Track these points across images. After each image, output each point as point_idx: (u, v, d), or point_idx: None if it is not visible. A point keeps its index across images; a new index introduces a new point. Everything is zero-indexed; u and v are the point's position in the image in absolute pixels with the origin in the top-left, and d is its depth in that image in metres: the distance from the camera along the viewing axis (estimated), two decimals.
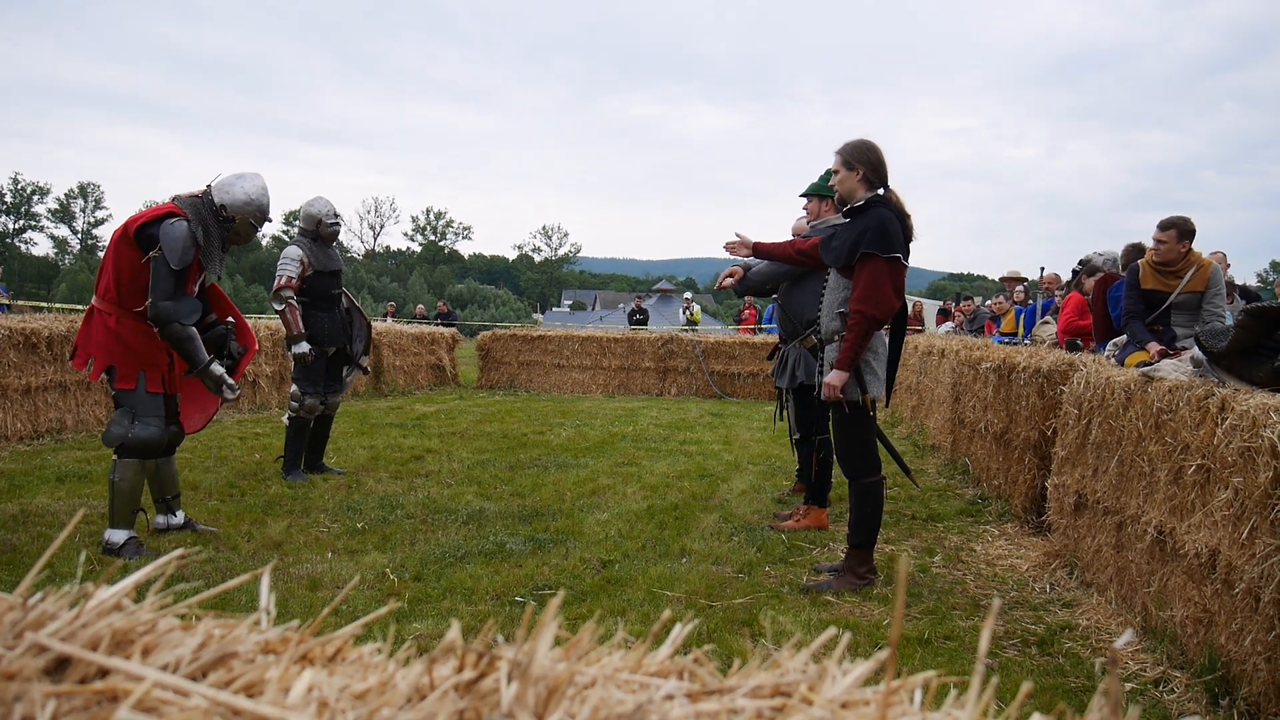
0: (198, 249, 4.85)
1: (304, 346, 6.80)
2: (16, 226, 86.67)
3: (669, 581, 4.57)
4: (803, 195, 6.01)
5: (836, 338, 4.61)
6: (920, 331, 17.68)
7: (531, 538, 5.32)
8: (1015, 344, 8.74)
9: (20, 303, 18.25)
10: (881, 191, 4.57)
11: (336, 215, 7.13)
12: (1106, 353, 5.97)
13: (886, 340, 4.74)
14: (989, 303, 14.96)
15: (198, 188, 5.13)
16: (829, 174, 6.21)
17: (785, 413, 6.45)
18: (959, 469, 7.79)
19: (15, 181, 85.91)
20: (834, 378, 4.47)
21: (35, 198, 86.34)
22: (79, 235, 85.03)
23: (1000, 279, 14.47)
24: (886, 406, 4.90)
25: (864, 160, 4.55)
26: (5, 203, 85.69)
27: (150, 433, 4.89)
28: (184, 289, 4.83)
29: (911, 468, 8.23)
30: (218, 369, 4.99)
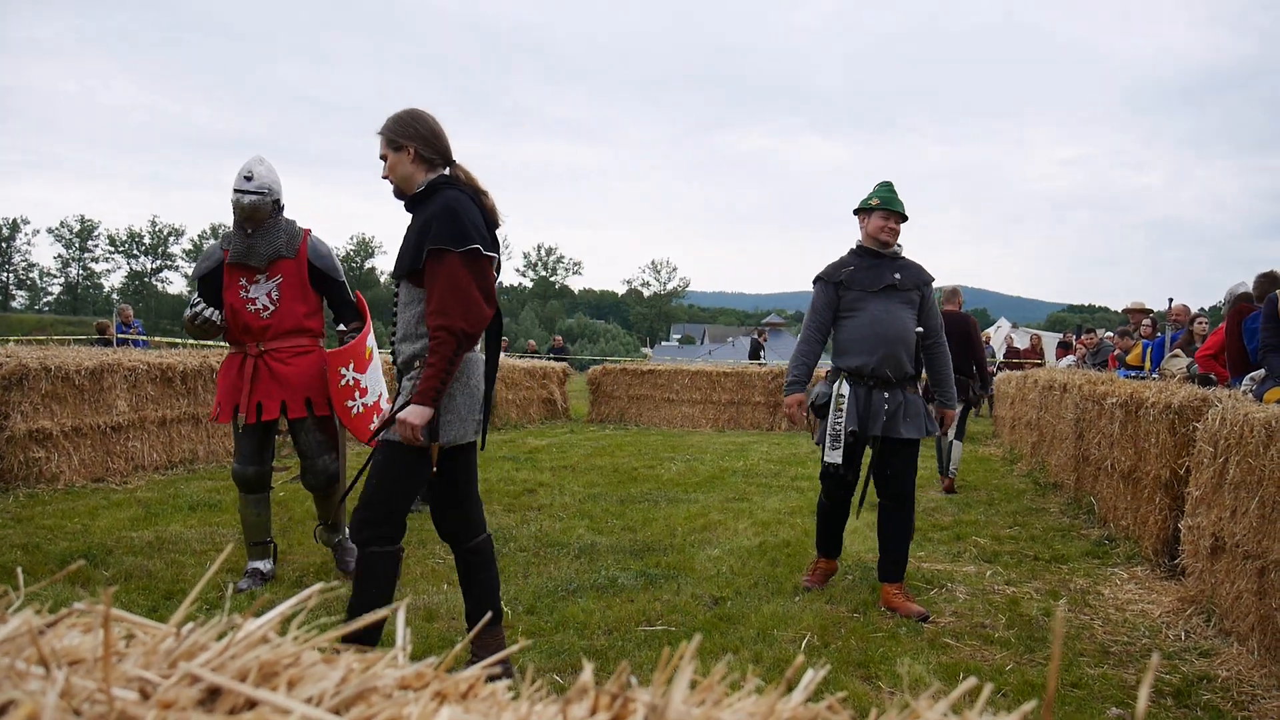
0: (224, 251, 4.97)
1: None
2: (154, 267, 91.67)
3: (782, 620, 4.51)
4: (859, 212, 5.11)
5: (417, 363, 3.46)
6: (1040, 365, 17.16)
7: (643, 573, 5.31)
8: (1143, 378, 8.41)
9: (156, 339, 19.18)
10: (447, 171, 3.57)
11: None
12: (1243, 387, 5.70)
13: (481, 369, 3.60)
14: (1110, 335, 14.44)
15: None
16: (888, 186, 5.10)
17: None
18: (1083, 508, 7.50)
19: (154, 224, 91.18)
20: (414, 414, 3.28)
21: (171, 239, 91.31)
22: None
23: (1123, 310, 13.95)
24: (482, 449, 3.76)
25: (412, 134, 3.49)
26: (144, 244, 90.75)
27: (235, 468, 5.05)
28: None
29: (1033, 506, 8.00)
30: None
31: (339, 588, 4.81)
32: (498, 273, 3.60)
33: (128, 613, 0.76)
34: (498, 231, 3.60)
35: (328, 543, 5.37)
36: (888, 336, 4.85)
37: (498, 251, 3.57)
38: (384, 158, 3.54)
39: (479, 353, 3.60)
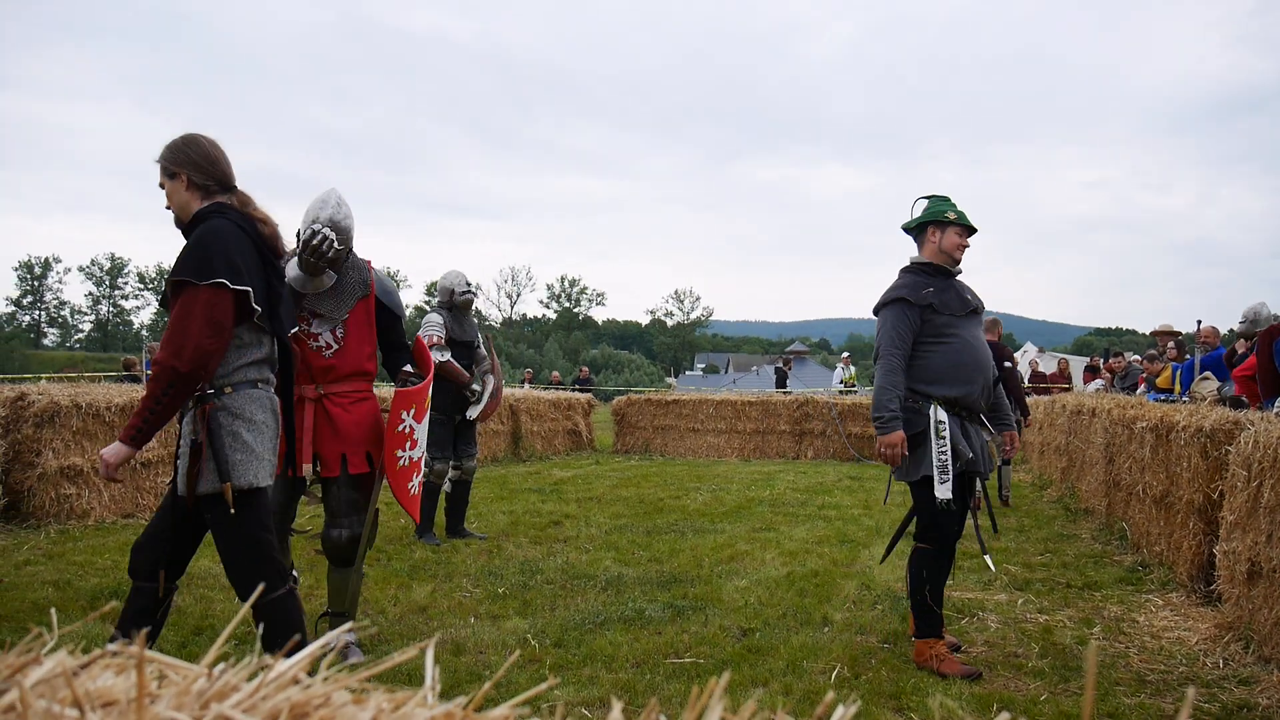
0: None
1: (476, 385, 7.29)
2: None
3: (811, 651, 4.46)
4: (908, 229, 4.73)
5: (190, 403, 3.28)
6: (1068, 390, 17.01)
7: (670, 604, 5.28)
8: (1172, 401, 8.32)
9: None
10: (226, 199, 3.35)
11: (469, 285, 7.39)
12: (1276, 410, 5.63)
13: (268, 404, 3.37)
14: (1138, 358, 14.30)
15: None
16: (943, 200, 4.69)
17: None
18: (1115, 534, 7.41)
19: None
20: (109, 452, 3.11)
21: None
22: None
23: (1151, 333, 13.83)
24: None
25: (184, 160, 3.30)
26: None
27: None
28: None
29: (1064, 533, 7.90)
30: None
31: (369, 626, 4.81)
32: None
33: (159, 653, 0.77)
34: (285, 260, 3.41)
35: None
36: (983, 364, 4.51)
37: (279, 281, 3.41)
38: (162, 186, 3.35)
39: (263, 388, 3.36)
